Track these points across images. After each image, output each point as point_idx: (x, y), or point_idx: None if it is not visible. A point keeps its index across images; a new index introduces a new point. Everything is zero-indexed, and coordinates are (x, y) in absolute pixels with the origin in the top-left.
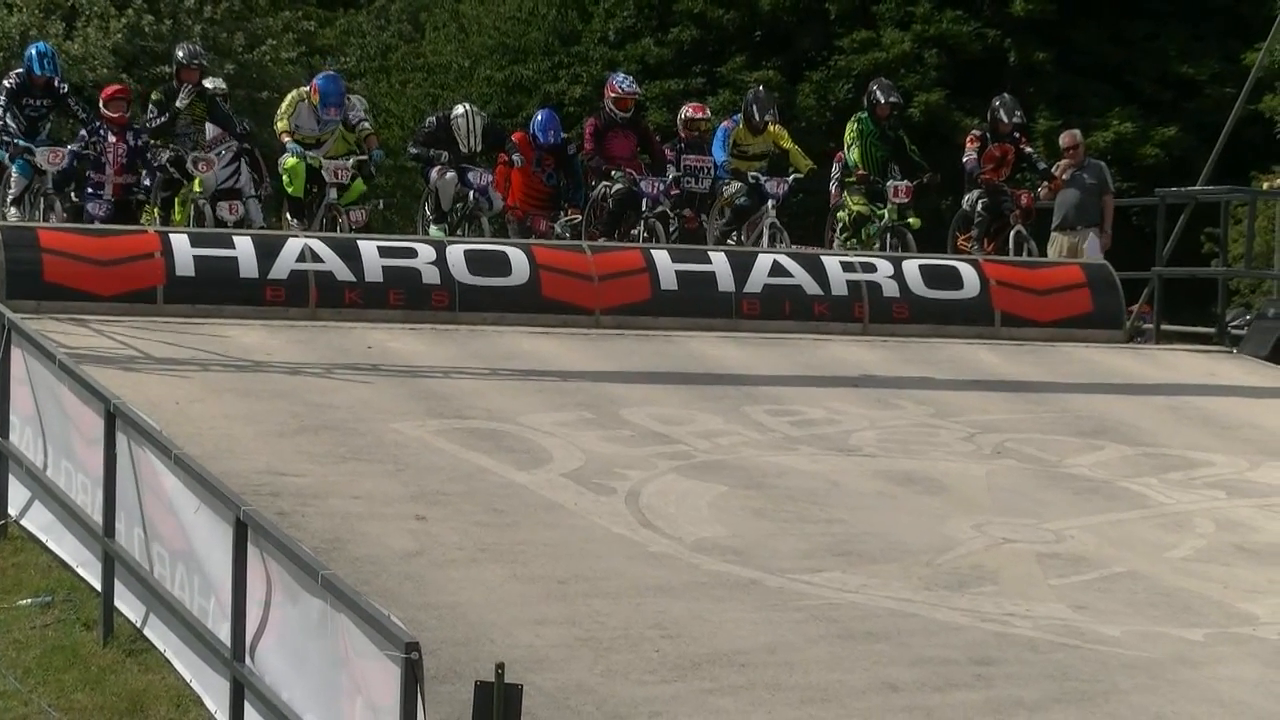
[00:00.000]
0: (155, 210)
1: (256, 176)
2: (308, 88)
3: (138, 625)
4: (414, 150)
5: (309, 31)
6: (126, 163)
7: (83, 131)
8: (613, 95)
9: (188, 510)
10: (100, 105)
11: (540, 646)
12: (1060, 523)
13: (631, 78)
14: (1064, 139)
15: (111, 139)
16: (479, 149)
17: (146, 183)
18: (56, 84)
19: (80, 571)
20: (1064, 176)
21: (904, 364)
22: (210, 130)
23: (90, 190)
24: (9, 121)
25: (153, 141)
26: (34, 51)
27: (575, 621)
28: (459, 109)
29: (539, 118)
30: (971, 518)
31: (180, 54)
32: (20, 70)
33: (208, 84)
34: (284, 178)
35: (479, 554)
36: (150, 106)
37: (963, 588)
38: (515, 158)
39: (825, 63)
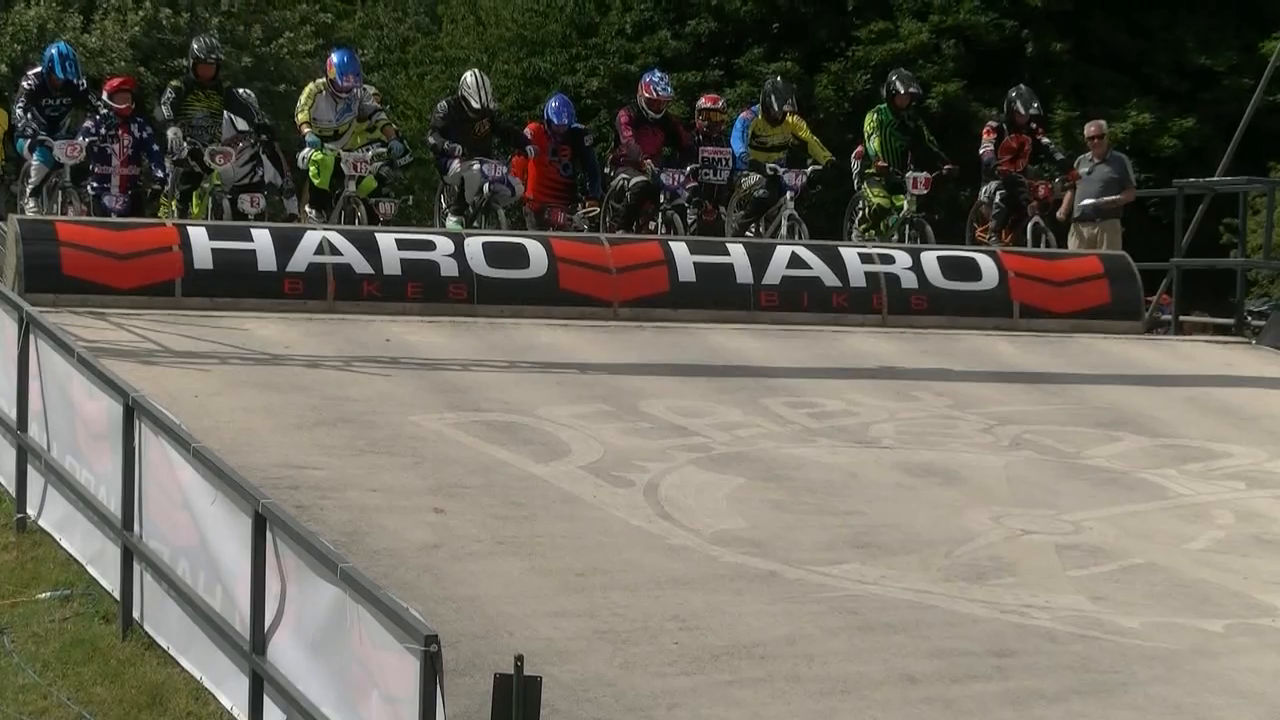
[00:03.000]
0: (173, 203)
1: (279, 169)
2: (323, 79)
3: (138, 619)
4: (432, 140)
5: (327, 24)
6: (132, 154)
7: (87, 123)
8: (647, 95)
9: (201, 504)
10: (105, 97)
11: (559, 639)
12: (1079, 514)
13: (667, 79)
14: (1089, 129)
15: (118, 131)
16: (492, 105)
17: (159, 174)
18: (76, 83)
19: (90, 569)
20: (1083, 171)
21: (922, 355)
22: (227, 128)
23: (97, 184)
24: (30, 121)
25: (171, 126)
26: (55, 53)
27: (594, 614)
28: (467, 75)
29: (553, 102)
30: (990, 509)
31: (196, 48)
32: (40, 70)
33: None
34: (311, 169)
35: (497, 546)
36: (168, 90)
37: (981, 579)
38: (529, 149)
39: (843, 54)
